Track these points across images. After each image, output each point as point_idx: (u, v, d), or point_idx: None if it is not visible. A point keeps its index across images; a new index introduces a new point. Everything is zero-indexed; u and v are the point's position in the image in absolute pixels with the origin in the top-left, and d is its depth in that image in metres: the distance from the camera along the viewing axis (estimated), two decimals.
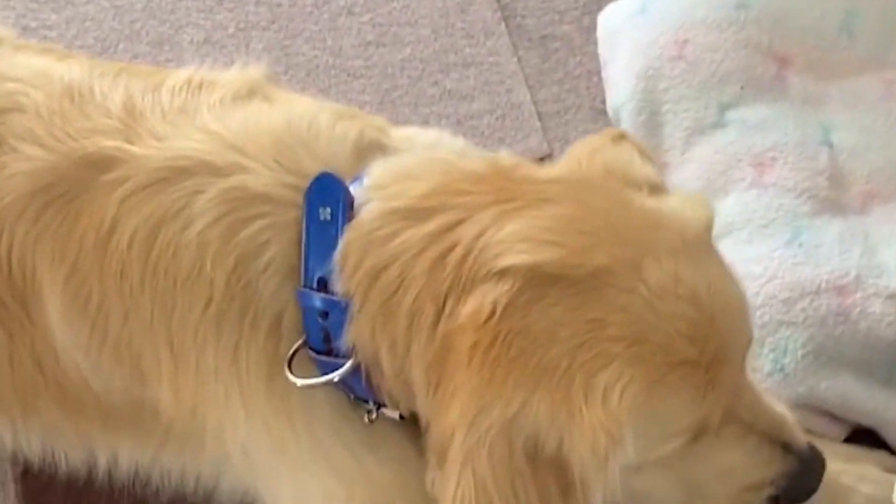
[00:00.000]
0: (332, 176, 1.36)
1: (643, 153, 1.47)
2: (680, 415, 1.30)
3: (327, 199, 1.34)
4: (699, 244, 1.34)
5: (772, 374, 1.73)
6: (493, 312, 1.25)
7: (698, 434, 1.33)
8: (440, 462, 1.30)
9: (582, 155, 1.43)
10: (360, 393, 1.38)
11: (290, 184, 1.37)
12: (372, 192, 1.35)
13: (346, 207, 1.34)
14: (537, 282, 1.25)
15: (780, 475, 1.42)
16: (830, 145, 1.95)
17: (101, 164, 1.39)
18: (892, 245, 1.82)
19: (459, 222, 1.30)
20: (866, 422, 1.74)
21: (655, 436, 1.29)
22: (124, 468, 1.62)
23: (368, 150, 1.43)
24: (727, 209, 1.87)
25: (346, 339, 1.33)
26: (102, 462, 1.63)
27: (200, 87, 1.46)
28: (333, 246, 1.33)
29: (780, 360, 1.73)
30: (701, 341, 1.27)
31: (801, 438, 1.44)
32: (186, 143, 1.39)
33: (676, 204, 1.36)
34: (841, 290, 1.76)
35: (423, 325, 1.29)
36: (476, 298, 1.26)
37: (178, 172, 1.37)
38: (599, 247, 1.27)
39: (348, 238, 1.33)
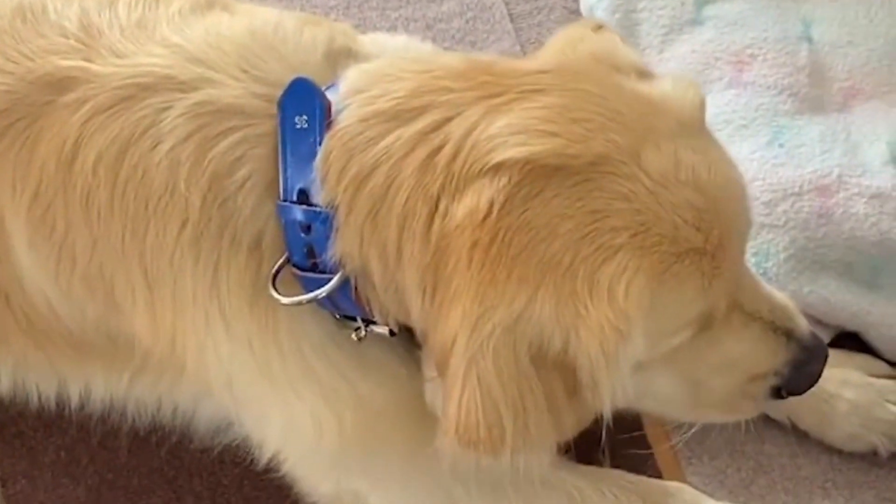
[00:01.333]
0: (307, 81, 1.31)
1: (624, 42, 1.42)
2: (687, 305, 1.27)
3: (303, 105, 1.30)
4: (695, 126, 1.30)
5: None
6: (490, 209, 1.21)
7: (704, 325, 1.31)
8: (441, 371, 1.27)
9: (564, 45, 1.39)
10: (348, 309, 1.35)
11: (262, 94, 1.33)
12: (350, 96, 1.31)
13: (323, 114, 1.30)
14: (535, 174, 1.22)
15: (784, 364, 1.40)
16: (810, 40, 1.92)
17: (59, 84, 1.35)
18: (874, 143, 1.79)
19: (447, 120, 1.26)
20: (850, 325, 1.72)
21: (664, 329, 1.27)
22: (98, 400, 1.60)
23: (339, 56, 1.39)
24: None
25: (332, 252, 1.29)
26: (75, 394, 1.61)
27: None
28: (313, 155, 1.29)
29: (763, 265, 1.70)
30: (706, 228, 1.25)
31: (804, 325, 1.41)
32: (148, 58, 1.35)
33: (667, 87, 1.32)
34: (823, 191, 1.74)
35: (416, 229, 1.25)
36: (472, 196, 1.22)
37: (142, 89, 1.33)
38: (597, 134, 1.23)
39: (329, 145, 1.29)
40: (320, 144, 1.29)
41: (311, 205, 1.29)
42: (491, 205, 1.21)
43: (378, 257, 1.28)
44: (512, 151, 1.22)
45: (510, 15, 2.11)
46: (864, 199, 1.73)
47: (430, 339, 1.29)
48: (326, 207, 1.28)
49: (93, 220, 1.35)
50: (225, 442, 1.62)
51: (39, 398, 1.64)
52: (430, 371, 1.31)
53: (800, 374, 1.41)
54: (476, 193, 1.22)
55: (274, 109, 1.32)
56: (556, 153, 1.22)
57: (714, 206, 1.25)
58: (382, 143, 1.27)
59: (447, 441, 1.26)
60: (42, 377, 1.61)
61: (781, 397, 1.43)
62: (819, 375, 1.44)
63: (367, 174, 1.27)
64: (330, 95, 1.32)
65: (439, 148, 1.25)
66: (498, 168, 1.22)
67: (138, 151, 1.32)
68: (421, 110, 1.27)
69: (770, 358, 1.39)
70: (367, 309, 1.33)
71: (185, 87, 1.33)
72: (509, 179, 1.22)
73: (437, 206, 1.24)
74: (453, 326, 1.23)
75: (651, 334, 1.25)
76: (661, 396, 1.40)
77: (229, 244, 1.33)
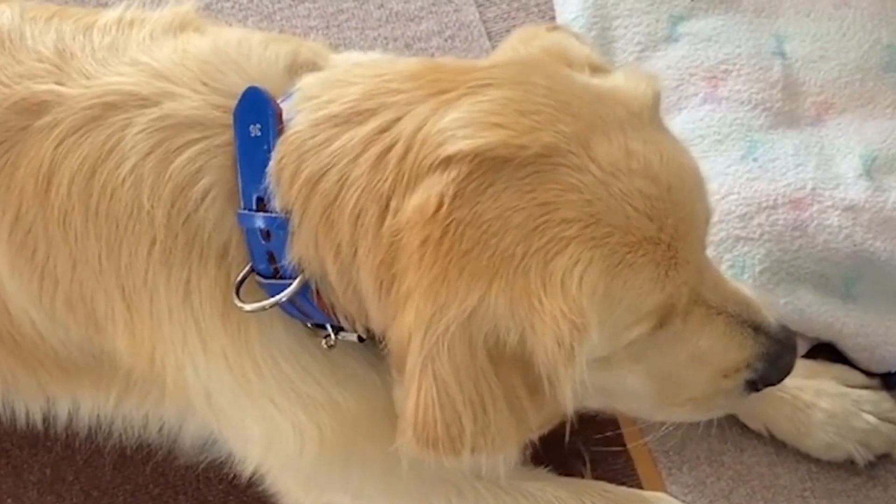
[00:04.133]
0: (259, 90, 1.31)
1: (581, 40, 1.42)
2: (643, 296, 1.25)
3: (256, 114, 1.30)
4: (646, 116, 1.29)
5: None
6: (440, 204, 1.20)
7: (664, 318, 1.29)
8: (399, 371, 1.26)
9: (518, 43, 1.39)
10: (315, 316, 1.35)
11: (220, 104, 1.34)
12: (302, 103, 1.31)
13: (276, 122, 1.30)
14: (484, 167, 1.21)
15: (755, 357, 1.38)
16: (784, 55, 1.93)
17: (34, 109, 1.37)
18: (847, 156, 1.81)
19: (396, 120, 1.25)
20: (825, 336, 1.74)
21: (620, 321, 1.25)
22: (85, 418, 1.61)
23: (302, 69, 1.39)
24: (680, 126, 1.85)
25: (289, 257, 1.29)
26: (63, 413, 1.62)
27: (132, 24, 1.43)
28: (266, 162, 1.29)
29: (739, 277, 1.71)
30: (660, 217, 1.23)
31: (772, 319, 1.40)
32: (115, 77, 1.36)
33: (620, 80, 1.31)
34: (797, 204, 1.75)
35: (369, 226, 1.24)
36: (422, 192, 1.22)
37: (108, 108, 1.34)
38: (545, 125, 1.22)
39: (281, 151, 1.29)
40: (273, 151, 1.29)
41: (269, 211, 1.29)
42: (441, 199, 1.21)
43: (333, 258, 1.28)
44: (460, 144, 1.21)
45: (488, 33, 2.12)
46: (838, 212, 1.74)
47: (388, 339, 1.28)
48: (282, 213, 1.28)
49: (71, 243, 1.36)
50: (210, 458, 1.63)
51: (28, 418, 1.65)
52: (395, 372, 1.30)
53: (773, 367, 1.41)
54: (426, 188, 1.22)
55: (231, 119, 1.32)
56: (505, 144, 1.21)
57: (667, 195, 1.24)
58: (334, 146, 1.27)
59: (405, 441, 1.25)
60: (30, 397, 1.62)
61: (757, 390, 1.42)
62: (792, 366, 1.43)
63: (319, 177, 1.27)
64: (284, 105, 1.32)
65: (391, 146, 1.24)
66: (447, 162, 1.21)
67: (105, 171, 1.33)
68: (372, 112, 1.27)
69: (739, 352, 1.38)
70: (332, 314, 1.33)
71: (147, 102, 1.34)
72: (458, 173, 1.21)
73: (388, 204, 1.24)
74: (407, 325, 1.22)
75: (607, 326, 1.23)
76: (630, 394, 1.39)
77: (198, 258, 1.33)
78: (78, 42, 1.40)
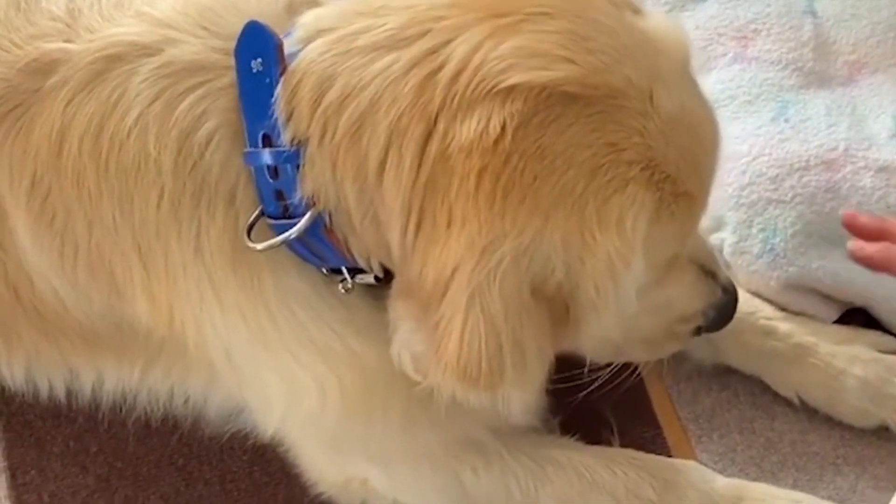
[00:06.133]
0: (259, 24, 1.28)
1: None
2: (670, 245, 1.29)
3: (257, 49, 1.27)
4: (691, 72, 1.30)
5: (762, 255, 1.69)
6: (503, 133, 1.16)
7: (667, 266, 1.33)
8: (428, 307, 1.21)
9: None
10: (329, 257, 1.31)
11: (220, 47, 1.31)
12: (313, 35, 1.26)
13: (278, 54, 1.26)
14: (552, 101, 1.18)
15: (709, 306, 1.44)
16: (814, 14, 1.90)
17: (45, 69, 1.35)
18: (880, 116, 1.78)
19: (447, 42, 1.20)
20: (858, 301, 1.71)
21: (651, 263, 1.26)
22: (110, 392, 1.60)
23: (302, 7, 1.34)
24: (710, 86, 1.81)
25: (300, 191, 1.25)
26: (87, 387, 1.61)
27: None
28: (271, 96, 1.25)
29: (771, 241, 1.69)
30: (699, 174, 1.26)
31: (722, 268, 1.46)
32: (117, 29, 1.34)
33: (661, 27, 1.29)
34: (830, 165, 1.72)
35: (407, 147, 1.19)
36: (480, 118, 1.17)
37: (112, 61, 1.32)
38: (612, 67, 1.20)
39: (292, 82, 1.24)
40: (276, 85, 1.26)
41: (276, 147, 1.25)
42: (504, 128, 1.17)
43: (353, 179, 1.23)
44: (529, 75, 1.18)
45: None
46: (871, 173, 1.71)
47: (410, 272, 1.24)
48: (293, 145, 1.25)
49: (86, 203, 1.34)
50: (234, 429, 1.62)
51: (51, 392, 1.64)
52: (400, 317, 1.27)
53: (722, 316, 1.47)
54: (485, 115, 1.17)
55: (233, 61, 1.29)
56: (577, 81, 1.18)
57: (705, 154, 1.27)
58: (374, 67, 1.22)
59: (446, 377, 1.22)
60: (54, 371, 1.61)
61: (699, 335, 1.48)
62: (732, 316, 1.50)
63: (349, 97, 1.22)
64: (287, 40, 1.28)
65: (440, 67, 1.19)
66: (510, 90, 1.17)
67: (112, 124, 1.31)
68: (418, 36, 1.22)
69: (700, 300, 1.43)
70: (346, 251, 1.29)
71: (149, 50, 1.31)
72: (525, 103, 1.17)
73: (434, 125, 1.19)
74: (455, 255, 1.18)
75: (646, 266, 1.24)
76: (601, 338, 1.38)
77: (206, 207, 1.30)
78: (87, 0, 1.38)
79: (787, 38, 1.86)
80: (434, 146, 1.19)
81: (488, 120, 1.17)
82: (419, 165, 1.20)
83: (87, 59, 1.32)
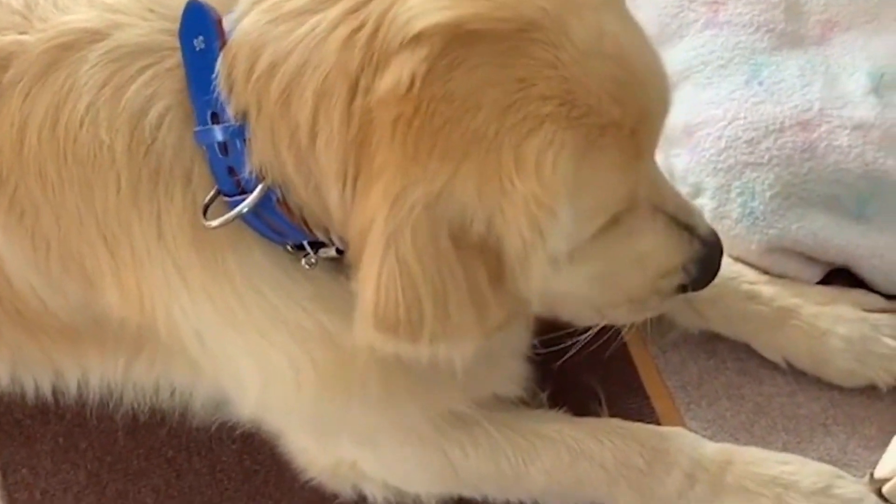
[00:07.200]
0: (198, 3, 1.28)
1: None
2: (610, 184, 1.24)
3: (198, 27, 1.27)
4: (616, 0, 1.26)
5: (741, 219, 1.69)
6: (412, 81, 1.15)
7: (620, 213, 1.28)
8: (357, 259, 1.21)
9: None
10: (288, 232, 1.30)
11: (167, 28, 1.30)
12: (249, 7, 1.26)
13: (217, 30, 1.26)
14: (458, 42, 1.16)
15: (690, 261, 1.40)
16: None
17: (3, 63, 1.33)
18: (853, 74, 1.77)
19: (365, 3, 1.19)
20: (840, 260, 1.70)
21: (587, 208, 1.23)
22: (95, 388, 1.59)
23: None
24: (683, 53, 1.81)
25: (249, 165, 1.25)
26: (73, 384, 1.60)
27: None
28: (213, 72, 1.25)
29: (749, 204, 1.68)
30: (625, 102, 1.20)
31: (705, 222, 1.42)
32: (68, 17, 1.33)
33: None
34: (805, 125, 1.71)
35: (335, 106, 1.19)
36: (393, 70, 1.16)
37: (63, 50, 1.31)
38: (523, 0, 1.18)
39: (228, 56, 1.24)
40: (218, 60, 1.25)
41: (223, 123, 1.25)
42: (413, 76, 1.16)
43: (288, 146, 1.22)
44: (433, 17, 1.16)
45: None
46: (847, 131, 1.70)
47: (350, 226, 1.23)
48: (237, 119, 1.24)
49: (50, 197, 1.33)
50: (222, 419, 1.61)
51: (37, 391, 1.63)
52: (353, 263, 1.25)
53: (704, 271, 1.43)
54: (398, 66, 1.17)
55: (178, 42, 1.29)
56: (484, 17, 1.17)
57: (634, 81, 1.22)
58: (298, 31, 1.21)
59: (364, 327, 1.21)
60: (39, 369, 1.60)
61: (685, 292, 1.45)
62: (718, 270, 1.46)
63: (277, 63, 1.21)
64: (227, 17, 1.27)
65: (360, 27, 1.19)
66: (418, 38, 1.16)
67: (66, 114, 1.30)
68: (333, 1, 1.21)
69: (676, 253, 1.39)
70: (303, 224, 1.29)
71: (98, 36, 1.31)
72: (431, 48, 1.16)
73: (357, 83, 1.19)
74: (373, 205, 1.18)
75: (577, 212, 1.20)
76: (575, 297, 1.38)
77: (164, 190, 1.29)
78: None
79: (758, 1, 1.84)
80: (358, 103, 1.18)
81: (401, 70, 1.16)
82: (347, 125, 1.19)
83: (39, 49, 1.32)
